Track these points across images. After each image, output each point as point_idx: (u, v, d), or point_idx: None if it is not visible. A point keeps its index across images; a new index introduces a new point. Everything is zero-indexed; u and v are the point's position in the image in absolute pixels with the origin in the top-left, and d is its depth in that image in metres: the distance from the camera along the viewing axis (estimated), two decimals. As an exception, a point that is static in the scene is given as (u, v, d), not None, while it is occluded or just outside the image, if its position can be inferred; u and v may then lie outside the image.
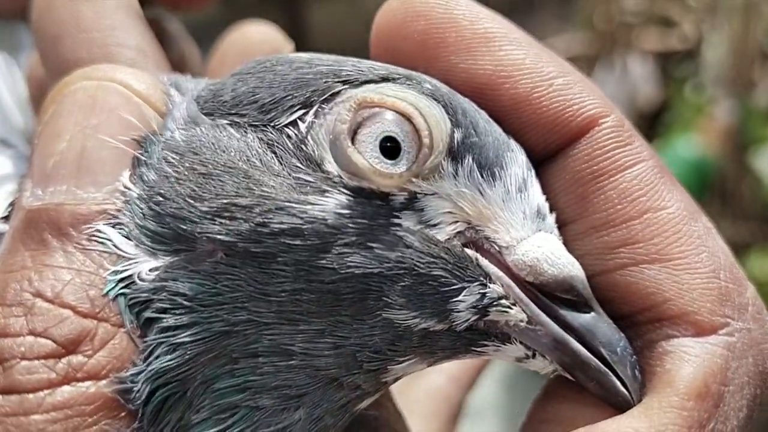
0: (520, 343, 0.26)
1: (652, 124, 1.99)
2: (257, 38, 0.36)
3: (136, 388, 0.24)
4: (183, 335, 0.24)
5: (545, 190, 0.28)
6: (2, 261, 0.25)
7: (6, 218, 0.28)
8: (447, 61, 0.28)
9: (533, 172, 0.28)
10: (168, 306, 0.24)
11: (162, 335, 0.24)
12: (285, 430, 0.25)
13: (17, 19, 0.36)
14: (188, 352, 0.24)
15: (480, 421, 1.58)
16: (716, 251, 0.28)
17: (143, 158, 0.26)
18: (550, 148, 0.28)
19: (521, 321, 0.26)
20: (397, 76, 0.27)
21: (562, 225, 0.28)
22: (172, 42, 0.36)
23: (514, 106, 0.28)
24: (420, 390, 0.42)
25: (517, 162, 0.27)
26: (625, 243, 0.27)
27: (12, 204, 0.28)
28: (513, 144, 0.27)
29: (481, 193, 0.26)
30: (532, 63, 0.28)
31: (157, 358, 0.24)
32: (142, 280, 0.24)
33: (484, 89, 0.28)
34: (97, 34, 0.29)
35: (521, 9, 2.76)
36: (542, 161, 0.28)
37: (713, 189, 1.77)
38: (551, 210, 0.28)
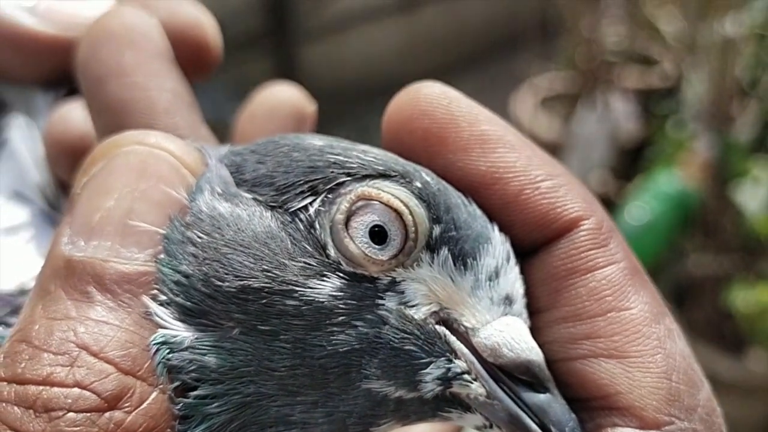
0: (480, 413, 0.29)
1: (634, 159, 2.02)
2: (283, 99, 0.40)
3: None
4: (212, 406, 0.27)
5: (527, 279, 0.31)
6: (42, 305, 0.26)
7: None
8: (446, 158, 0.31)
9: (512, 262, 0.30)
10: (200, 376, 0.27)
11: (198, 402, 0.27)
12: None
13: (34, 85, 0.38)
14: (217, 422, 0.27)
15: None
16: (673, 353, 0.29)
17: (177, 230, 0.28)
18: (535, 243, 0.31)
19: (480, 395, 0.29)
20: (394, 174, 0.30)
21: (536, 312, 0.31)
22: None
23: (504, 205, 0.30)
24: None
25: (492, 253, 0.30)
26: (588, 337, 0.29)
27: None
28: (496, 237, 0.30)
29: (452, 280, 0.29)
30: (523, 166, 0.30)
31: (196, 425, 0.27)
32: (182, 349, 0.27)
33: (478, 187, 0.31)
34: (139, 79, 0.32)
35: (505, 48, 2.80)
36: (528, 253, 0.31)
37: (695, 222, 1.79)
38: (528, 298, 0.31)
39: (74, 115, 0.36)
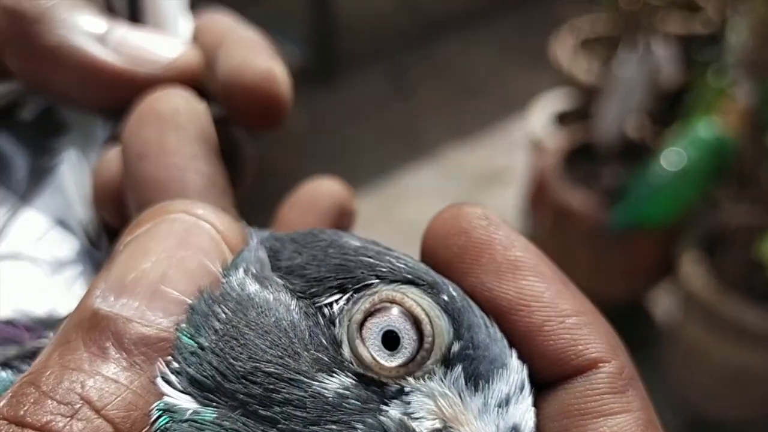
0: None
1: (673, 105, 2.00)
2: (327, 192, 0.40)
3: None
4: None
5: (540, 413, 0.30)
6: (59, 352, 0.26)
7: None
8: (477, 277, 0.31)
9: (525, 392, 0.29)
10: None
11: None
12: None
13: (96, 113, 0.39)
14: None
15: None
16: None
17: (205, 303, 0.28)
18: (552, 377, 0.30)
19: None
20: (422, 282, 0.30)
21: None
22: (240, 156, 0.40)
23: (527, 334, 0.30)
24: None
25: (506, 380, 0.29)
26: None
27: None
28: (513, 363, 0.30)
29: (461, 398, 0.28)
30: (550, 297, 0.30)
31: None
32: (182, 420, 0.26)
33: (504, 312, 0.30)
34: (177, 160, 0.33)
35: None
36: (544, 387, 0.30)
37: (731, 171, 1.79)
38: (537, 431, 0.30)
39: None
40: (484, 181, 2.64)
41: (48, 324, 0.33)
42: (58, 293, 0.35)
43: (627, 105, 1.98)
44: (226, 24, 0.41)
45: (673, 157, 1.79)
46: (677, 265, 1.85)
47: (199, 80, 0.38)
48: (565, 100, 2.37)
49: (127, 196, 0.35)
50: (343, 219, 0.41)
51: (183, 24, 0.42)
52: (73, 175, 0.38)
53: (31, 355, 0.31)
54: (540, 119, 2.34)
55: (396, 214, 2.48)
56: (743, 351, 1.71)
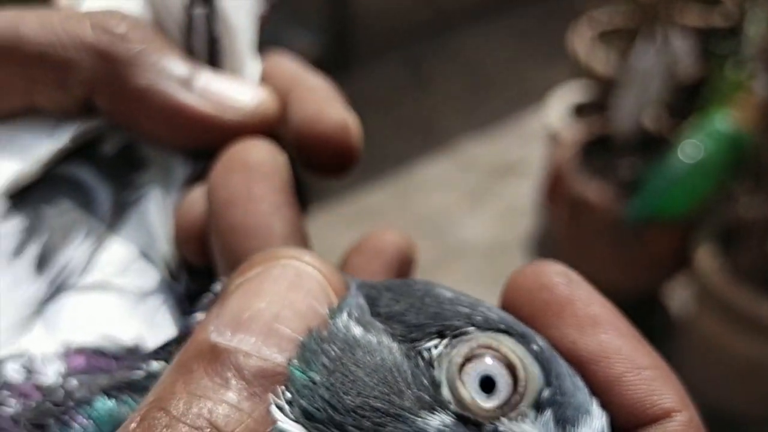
0: None
1: (691, 97, 2.00)
2: (390, 242, 0.43)
3: None
4: None
5: None
6: (183, 380, 0.28)
7: (158, 354, 0.33)
8: (559, 330, 0.33)
9: None
10: None
11: None
12: None
13: (176, 153, 0.41)
14: None
15: None
16: None
17: (315, 341, 0.30)
18: (628, 425, 0.32)
19: None
20: (515, 332, 0.32)
21: None
22: (306, 195, 0.42)
23: (606, 384, 0.32)
24: None
25: (590, 425, 0.31)
26: None
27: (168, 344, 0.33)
28: (595, 410, 0.32)
29: None
30: (628, 351, 0.32)
31: None
32: None
33: (585, 363, 0.32)
34: (264, 207, 0.36)
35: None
36: None
37: (747, 165, 1.78)
38: None
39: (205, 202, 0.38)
40: (500, 173, 2.64)
41: (136, 354, 0.35)
42: (142, 323, 0.37)
43: (644, 97, 1.98)
44: (294, 69, 0.43)
45: (690, 150, 1.79)
46: (693, 258, 1.85)
47: (276, 126, 0.40)
48: (582, 92, 2.36)
49: (211, 238, 0.37)
50: (404, 267, 0.43)
51: (253, 66, 0.43)
52: (156, 209, 0.40)
53: (127, 386, 0.32)
54: (557, 111, 2.34)
55: (411, 206, 2.49)
56: (758, 344, 1.71)
